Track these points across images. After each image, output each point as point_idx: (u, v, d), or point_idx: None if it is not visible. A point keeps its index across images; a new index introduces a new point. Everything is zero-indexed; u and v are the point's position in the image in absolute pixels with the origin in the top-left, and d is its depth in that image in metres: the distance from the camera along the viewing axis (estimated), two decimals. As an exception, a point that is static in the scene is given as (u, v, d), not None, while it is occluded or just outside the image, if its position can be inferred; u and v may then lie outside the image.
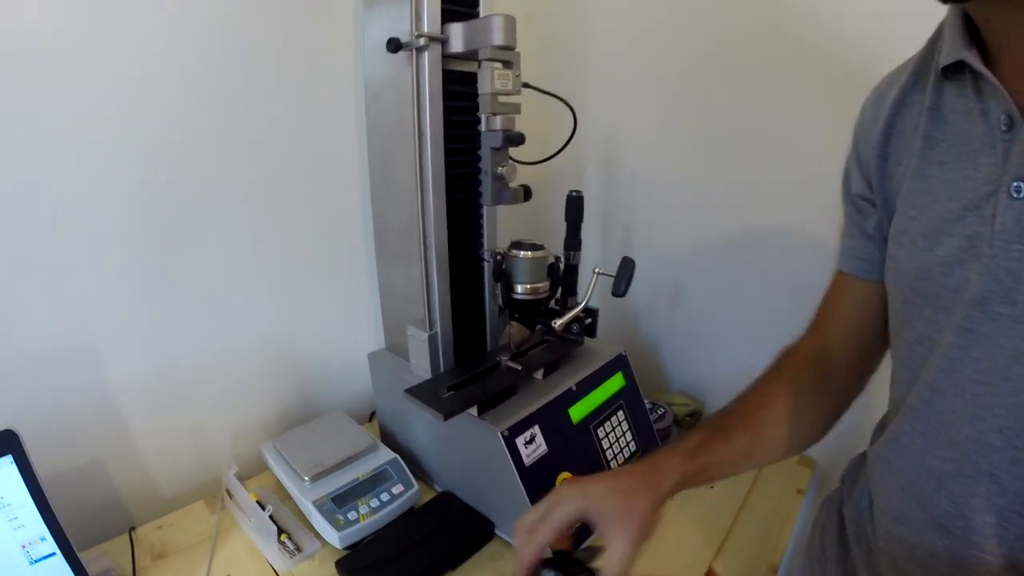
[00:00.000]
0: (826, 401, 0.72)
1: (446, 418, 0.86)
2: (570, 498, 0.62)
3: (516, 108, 0.90)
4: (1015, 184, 0.48)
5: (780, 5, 1.06)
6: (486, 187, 0.92)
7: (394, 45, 0.85)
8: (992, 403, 0.51)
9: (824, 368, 0.73)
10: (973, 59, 0.50)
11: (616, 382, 1.05)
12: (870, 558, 0.70)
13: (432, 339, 0.97)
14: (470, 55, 0.86)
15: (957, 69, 0.53)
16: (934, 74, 0.56)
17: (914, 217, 0.57)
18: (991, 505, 0.53)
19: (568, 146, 1.04)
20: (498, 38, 0.82)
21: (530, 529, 0.62)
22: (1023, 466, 0.50)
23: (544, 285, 0.96)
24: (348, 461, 1.00)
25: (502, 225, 1.04)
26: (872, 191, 0.66)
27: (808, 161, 1.09)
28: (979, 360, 0.52)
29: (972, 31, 0.52)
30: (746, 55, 1.12)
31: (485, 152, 0.90)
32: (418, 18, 0.84)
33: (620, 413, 1.04)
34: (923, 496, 0.59)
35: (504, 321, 1.08)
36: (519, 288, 0.95)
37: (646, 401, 1.12)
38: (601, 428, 1.00)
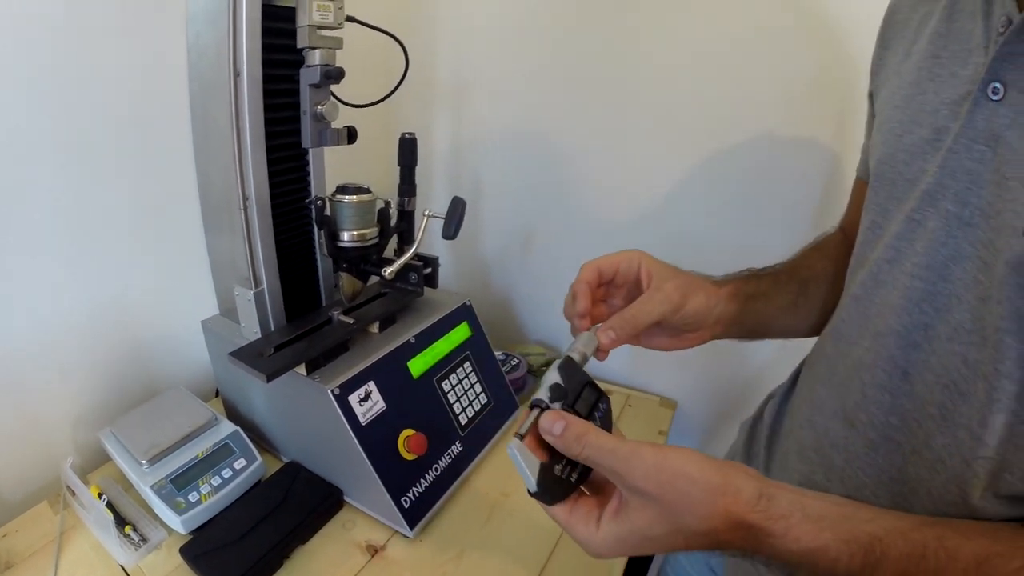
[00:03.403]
0: None
1: (269, 379, 0.79)
2: (630, 251, 0.63)
3: (338, 42, 0.84)
4: (993, 85, 0.46)
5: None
6: (305, 127, 0.84)
7: (212, -24, 0.75)
8: (922, 299, 0.51)
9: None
10: None
11: (461, 333, 1.02)
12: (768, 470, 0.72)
13: (259, 297, 0.90)
14: (292, -14, 0.78)
15: None
16: None
17: (898, 106, 0.57)
18: (897, 406, 0.53)
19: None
20: (318, -34, 0.75)
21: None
22: (934, 373, 0.50)
23: (372, 231, 0.90)
24: (187, 439, 0.91)
25: (347, 175, 0.96)
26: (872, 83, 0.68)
27: (662, 105, 1.11)
28: (920, 254, 0.52)
29: None
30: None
31: (304, 90, 0.83)
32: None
33: (467, 365, 1.01)
34: (840, 385, 0.59)
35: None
36: (345, 235, 0.88)
37: (499, 352, 1.09)
38: (446, 381, 0.96)
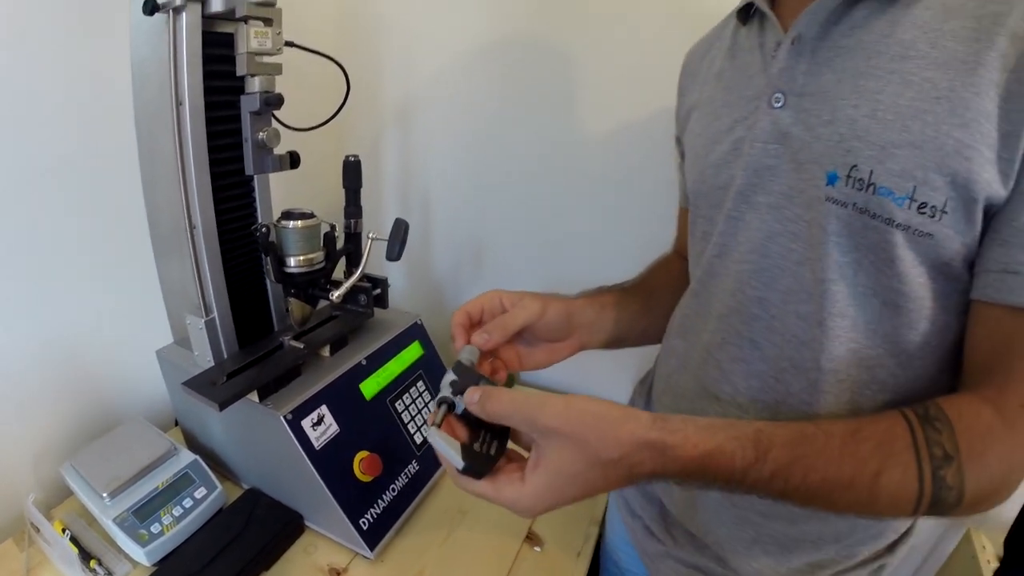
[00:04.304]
0: None
1: (221, 407, 0.79)
2: (488, 292, 0.71)
3: (276, 68, 0.84)
4: (775, 95, 0.56)
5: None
6: (247, 154, 0.85)
7: (150, 7, 0.75)
8: (751, 277, 0.60)
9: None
10: (760, 2, 0.60)
11: (413, 352, 1.03)
12: None
13: (210, 325, 0.90)
14: (230, 14, 0.78)
15: (751, 13, 0.63)
16: (734, 21, 0.67)
17: (700, 134, 0.68)
18: (753, 371, 0.62)
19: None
20: (256, -8, 0.75)
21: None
22: (778, 334, 0.59)
23: (318, 256, 0.90)
24: (147, 470, 0.91)
25: (299, 198, 0.97)
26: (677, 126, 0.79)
27: (612, 117, 1.13)
28: (742, 243, 0.61)
29: None
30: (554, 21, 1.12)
31: (245, 117, 0.84)
32: (173, -26, 0.75)
33: (420, 384, 1.02)
34: (696, 368, 0.68)
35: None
36: (291, 261, 0.88)
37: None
38: (399, 401, 0.97)
